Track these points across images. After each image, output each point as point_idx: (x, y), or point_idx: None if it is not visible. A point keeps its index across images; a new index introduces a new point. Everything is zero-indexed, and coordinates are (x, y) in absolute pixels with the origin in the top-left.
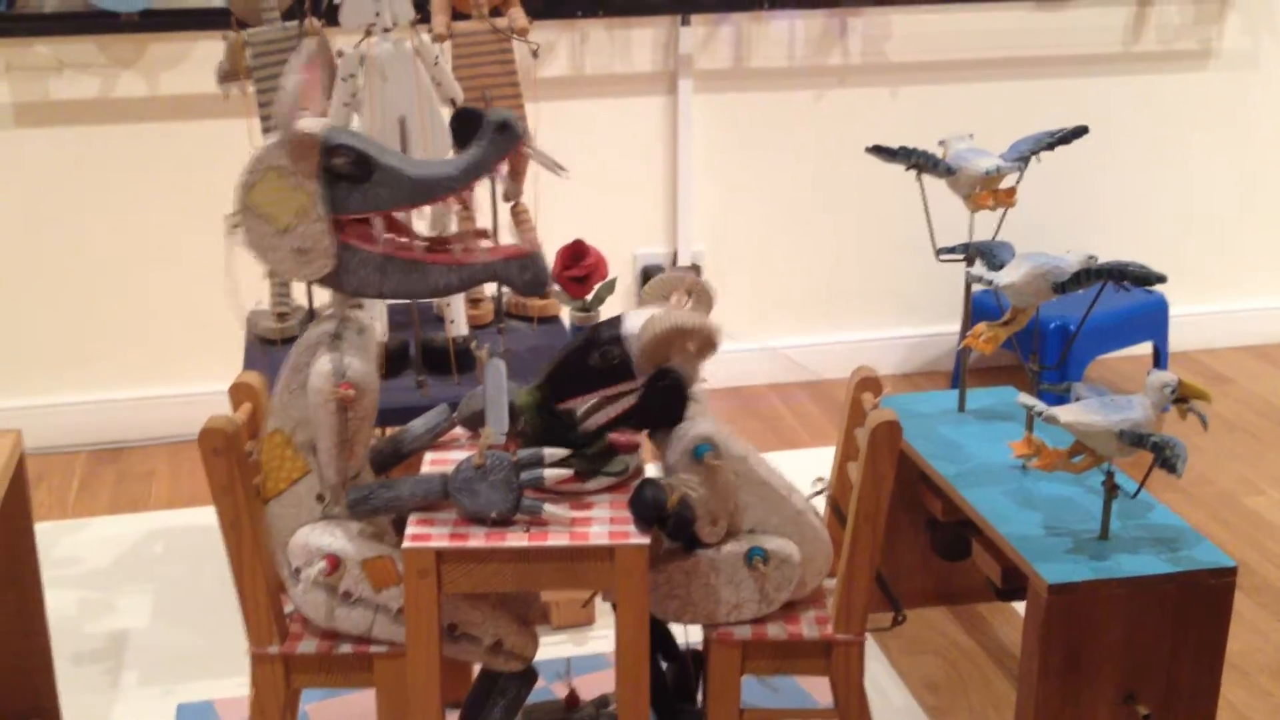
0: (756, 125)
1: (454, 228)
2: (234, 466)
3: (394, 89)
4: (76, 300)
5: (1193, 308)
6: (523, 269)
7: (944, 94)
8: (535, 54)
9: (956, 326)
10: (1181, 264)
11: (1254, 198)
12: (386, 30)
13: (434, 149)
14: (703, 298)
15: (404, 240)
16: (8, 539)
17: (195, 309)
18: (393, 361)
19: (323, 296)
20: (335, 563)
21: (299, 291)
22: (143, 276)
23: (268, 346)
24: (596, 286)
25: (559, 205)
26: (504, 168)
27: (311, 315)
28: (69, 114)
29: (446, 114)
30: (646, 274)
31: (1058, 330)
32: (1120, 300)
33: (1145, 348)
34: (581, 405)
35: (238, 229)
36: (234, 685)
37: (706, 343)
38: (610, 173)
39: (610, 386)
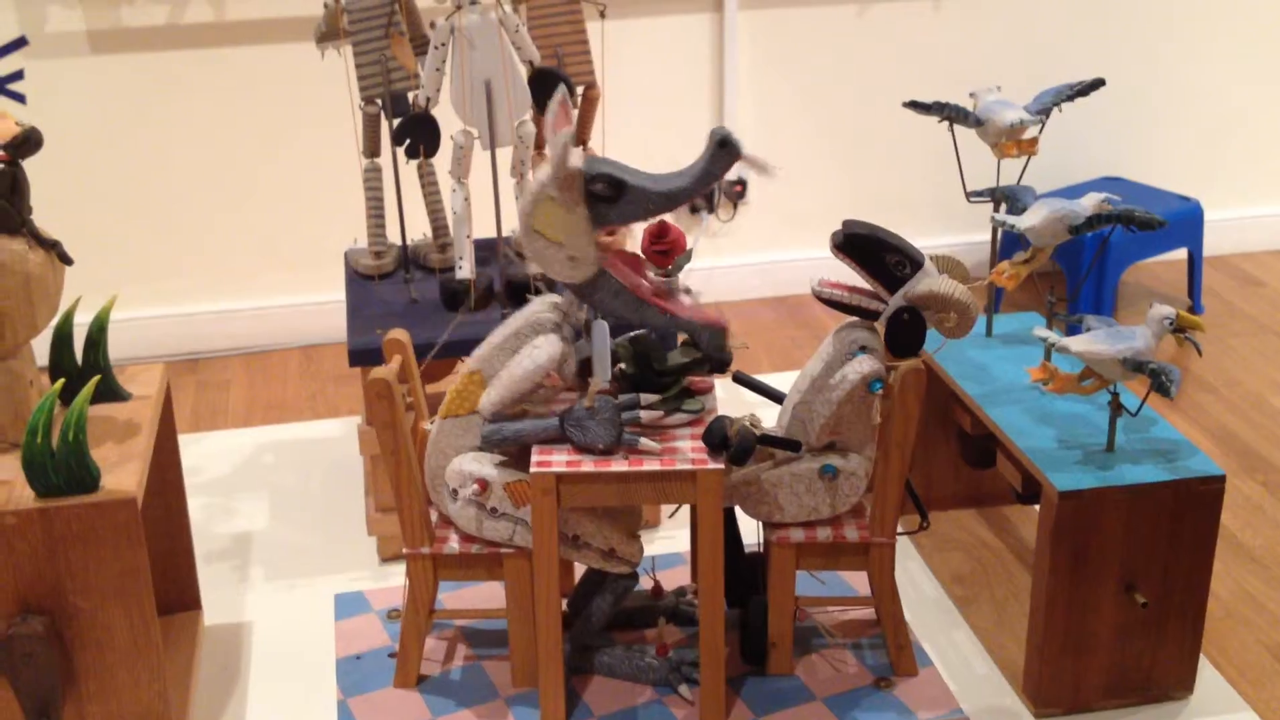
0: (800, 40)
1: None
2: (393, 407)
3: (480, 55)
4: (152, 220)
5: (1228, 212)
6: (711, 334)
7: (985, 3)
8: (603, 14)
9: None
10: (1217, 170)
11: None
12: (474, 2)
13: (515, 107)
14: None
15: (638, 282)
16: (159, 455)
17: (265, 227)
18: (480, 295)
19: (413, 233)
20: (484, 485)
21: (393, 233)
22: (215, 197)
23: (365, 281)
24: (676, 258)
25: (613, 123)
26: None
27: (405, 253)
28: (141, 40)
29: (525, 74)
30: None
31: (1094, 239)
32: (1157, 207)
33: (1181, 253)
34: (840, 270)
35: (519, 252)
36: (348, 580)
37: (961, 327)
38: (659, 89)
39: (876, 283)
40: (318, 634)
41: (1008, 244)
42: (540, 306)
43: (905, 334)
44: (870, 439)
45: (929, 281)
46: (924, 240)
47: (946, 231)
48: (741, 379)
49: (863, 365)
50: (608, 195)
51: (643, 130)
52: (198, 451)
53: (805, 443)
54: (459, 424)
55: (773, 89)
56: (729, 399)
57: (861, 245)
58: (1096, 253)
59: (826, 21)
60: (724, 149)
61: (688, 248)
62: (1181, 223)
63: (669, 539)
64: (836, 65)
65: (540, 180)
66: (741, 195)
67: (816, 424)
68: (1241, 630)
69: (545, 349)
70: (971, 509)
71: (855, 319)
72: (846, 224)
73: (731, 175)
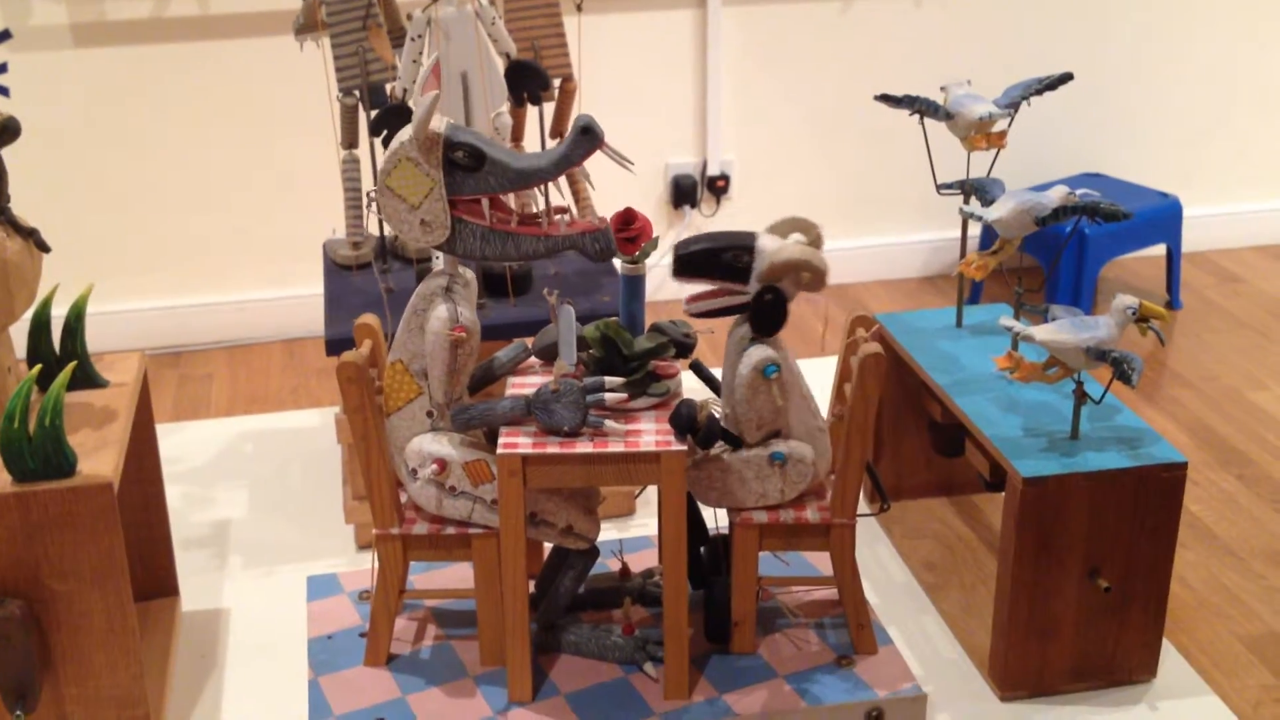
0: (783, 36)
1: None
2: (364, 391)
3: (456, 47)
4: (135, 212)
5: (1207, 209)
6: (595, 240)
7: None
8: (580, 7)
9: (976, 231)
10: (1197, 166)
11: (1269, 100)
12: None
13: (492, 99)
14: (817, 242)
15: (502, 215)
16: (136, 443)
17: (248, 220)
18: None
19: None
20: (443, 465)
21: (370, 222)
22: (197, 189)
23: (343, 272)
24: (643, 245)
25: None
26: None
27: (383, 243)
28: (124, 34)
29: (501, 66)
30: (677, 183)
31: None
32: (1135, 203)
33: (1160, 249)
34: (700, 288)
35: (375, 203)
36: (324, 566)
37: (818, 280)
38: (642, 85)
39: (728, 283)
40: (294, 620)
41: (987, 240)
42: (427, 280)
43: (770, 313)
44: (787, 421)
45: (766, 256)
46: (907, 235)
47: (929, 226)
48: (698, 369)
49: (751, 356)
50: (467, 164)
51: (624, 125)
52: (177, 441)
53: (745, 443)
54: (403, 416)
55: (756, 85)
56: (700, 387)
57: (696, 262)
58: (1064, 243)
59: (809, 18)
60: (585, 135)
61: (654, 235)
62: (1160, 219)
63: (643, 526)
64: (819, 61)
65: (401, 140)
66: (724, 190)
67: (743, 424)
68: (1214, 621)
69: (434, 316)
70: (942, 497)
71: (738, 315)
72: (675, 248)
73: (715, 170)
